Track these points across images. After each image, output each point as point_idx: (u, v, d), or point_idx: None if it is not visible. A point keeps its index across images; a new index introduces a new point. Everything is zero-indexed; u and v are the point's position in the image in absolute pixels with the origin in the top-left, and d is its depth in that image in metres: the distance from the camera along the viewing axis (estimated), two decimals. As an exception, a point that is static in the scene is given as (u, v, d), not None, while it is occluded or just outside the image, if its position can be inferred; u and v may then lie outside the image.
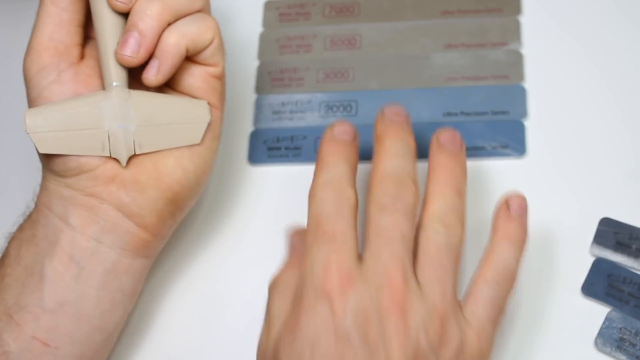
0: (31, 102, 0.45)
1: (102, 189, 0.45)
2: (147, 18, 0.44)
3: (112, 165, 0.45)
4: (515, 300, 0.49)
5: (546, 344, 0.48)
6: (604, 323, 0.48)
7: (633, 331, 0.47)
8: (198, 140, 0.47)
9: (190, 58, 0.46)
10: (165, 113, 0.46)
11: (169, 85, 0.47)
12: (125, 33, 0.45)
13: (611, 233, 0.50)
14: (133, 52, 0.44)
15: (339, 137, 0.45)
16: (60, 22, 0.46)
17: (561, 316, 0.49)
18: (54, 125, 0.44)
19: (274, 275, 0.44)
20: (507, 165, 0.53)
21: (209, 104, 0.47)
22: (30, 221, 0.46)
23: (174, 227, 0.49)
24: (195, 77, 0.47)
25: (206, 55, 0.47)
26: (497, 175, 0.53)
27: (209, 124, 0.47)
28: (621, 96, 0.54)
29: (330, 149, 0.45)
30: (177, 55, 0.45)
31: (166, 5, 0.45)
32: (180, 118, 0.46)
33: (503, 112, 0.54)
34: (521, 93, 0.54)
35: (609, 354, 0.47)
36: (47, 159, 0.45)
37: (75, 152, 0.45)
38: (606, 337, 0.47)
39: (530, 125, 0.54)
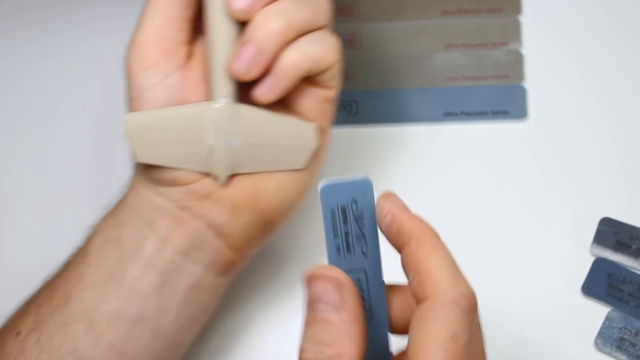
0: (130, 102, 0.42)
1: (196, 204, 0.43)
2: (269, 34, 0.40)
3: (209, 181, 0.42)
4: (515, 300, 0.49)
5: (546, 344, 0.48)
6: (604, 323, 0.48)
7: (633, 331, 0.47)
8: (302, 165, 0.43)
9: (306, 78, 0.42)
10: (272, 133, 0.42)
11: (278, 101, 0.43)
12: (241, 45, 0.40)
13: (611, 233, 0.50)
14: (248, 68, 0.40)
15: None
16: (170, 17, 0.42)
17: (561, 316, 0.49)
18: (154, 134, 0.41)
19: None
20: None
21: (317, 127, 0.44)
22: (116, 220, 0.44)
23: (260, 247, 0.46)
24: (308, 99, 0.43)
25: (324, 77, 0.43)
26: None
27: (315, 149, 0.43)
28: (621, 96, 0.54)
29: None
30: (294, 76, 0.41)
31: (290, 21, 0.41)
32: (286, 140, 0.43)
33: (503, 112, 0.54)
34: (521, 93, 0.54)
35: (609, 354, 0.47)
36: (137, 164, 0.43)
37: (173, 165, 0.42)
38: (606, 337, 0.47)
39: (531, 125, 0.54)
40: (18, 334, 0.42)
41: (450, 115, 0.54)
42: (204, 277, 0.43)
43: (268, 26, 0.40)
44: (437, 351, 0.32)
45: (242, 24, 0.41)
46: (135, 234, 0.43)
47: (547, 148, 0.53)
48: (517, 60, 0.55)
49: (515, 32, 0.56)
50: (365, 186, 0.35)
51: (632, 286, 0.48)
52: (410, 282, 0.34)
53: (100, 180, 0.54)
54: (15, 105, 0.57)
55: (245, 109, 0.42)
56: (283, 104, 0.43)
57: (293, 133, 0.43)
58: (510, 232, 0.51)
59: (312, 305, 0.34)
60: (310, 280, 0.34)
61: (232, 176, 0.43)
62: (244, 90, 0.42)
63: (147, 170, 0.43)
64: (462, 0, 0.57)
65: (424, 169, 0.53)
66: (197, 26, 0.43)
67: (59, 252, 0.45)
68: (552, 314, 0.49)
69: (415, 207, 0.52)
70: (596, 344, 0.48)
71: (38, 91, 0.57)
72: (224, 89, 0.41)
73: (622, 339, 0.47)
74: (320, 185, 0.35)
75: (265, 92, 0.41)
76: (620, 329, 0.47)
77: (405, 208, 0.36)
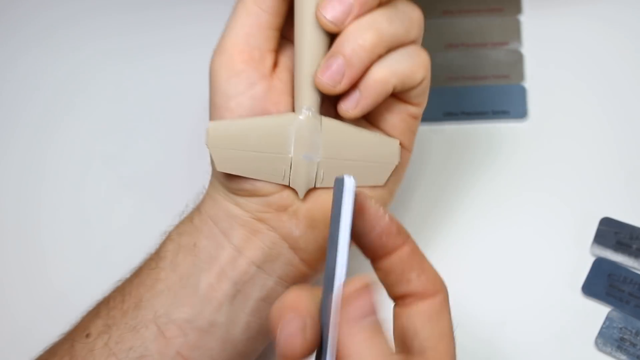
0: (213, 109, 0.42)
1: (272, 216, 0.42)
2: (359, 48, 0.39)
3: (288, 194, 0.42)
4: (516, 300, 0.49)
5: (546, 344, 0.48)
6: (604, 323, 0.48)
7: (633, 331, 0.47)
8: (382, 182, 0.43)
9: (393, 94, 0.42)
10: (354, 148, 0.42)
11: (362, 116, 0.42)
12: (330, 57, 0.40)
13: (612, 233, 0.50)
14: (335, 81, 0.40)
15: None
16: (259, 25, 0.41)
17: (561, 316, 0.49)
18: (236, 144, 0.41)
19: None
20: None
21: (400, 144, 0.43)
22: (192, 226, 0.43)
23: None
24: (394, 115, 0.43)
25: (412, 94, 0.42)
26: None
27: (397, 166, 0.43)
28: (622, 96, 0.54)
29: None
30: (382, 92, 0.40)
31: (382, 36, 0.40)
32: (368, 156, 0.42)
33: (503, 112, 0.54)
34: (521, 93, 0.54)
35: (609, 354, 0.47)
36: (217, 173, 0.43)
37: (253, 176, 0.41)
38: (606, 337, 0.47)
39: (531, 125, 0.54)
40: (88, 335, 0.42)
41: (450, 115, 0.54)
42: (275, 289, 0.43)
43: (359, 39, 0.39)
44: (452, 341, 0.34)
45: (333, 36, 0.40)
46: (210, 242, 0.43)
47: (547, 148, 0.53)
48: (517, 60, 0.55)
49: (515, 32, 0.56)
50: (341, 184, 0.34)
51: (633, 286, 0.48)
52: (411, 281, 0.34)
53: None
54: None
55: (329, 122, 0.41)
56: (367, 118, 0.43)
57: (376, 149, 0.42)
58: (511, 232, 0.51)
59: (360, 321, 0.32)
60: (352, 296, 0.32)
61: (311, 190, 0.42)
62: (329, 103, 0.42)
63: (226, 180, 0.42)
64: (462, 0, 0.57)
65: (424, 169, 0.53)
66: (284, 34, 0.43)
67: (133, 257, 0.45)
68: (552, 314, 0.49)
69: (415, 207, 0.52)
70: (596, 344, 0.48)
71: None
72: (309, 101, 0.41)
73: (622, 339, 0.47)
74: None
75: (351, 107, 0.41)
76: (621, 329, 0.47)
77: None
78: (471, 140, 0.54)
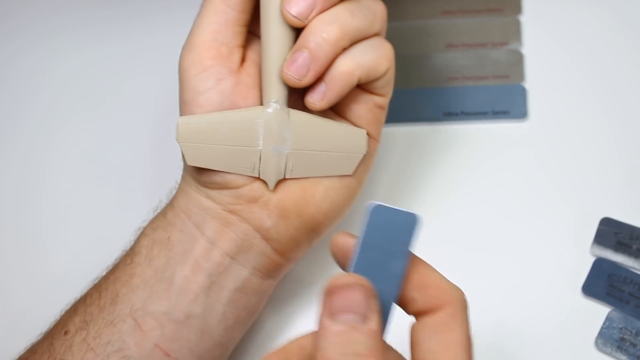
0: (183, 104, 0.43)
1: (244, 207, 0.43)
2: (323, 42, 0.40)
3: (258, 185, 0.43)
4: (516, 300, 0.49)
5: (546, 344, 0.48)
6: (604, 323, 0.48)
7: (633, 331, 0.47)
8: (350, 172, 0.44)
9: (359, 85, 0.43)
10: (322, 139, 0.43)
11: (330, 107, 0.43)
12: (295, 51, 0.41)
13: (612, 233, 0.50)
14: (300, 75, 0.41)
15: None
16: (226, 21, 0.42)
17: (561, 316, 0.49)
18: (206, 138, 0.42)
19: None
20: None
21: (368, 134, 0.44)
22: (165, 221, 0.44)
23: (306, 252, 0.46)
24: (360, 105, 0.44)
25: (377, 85, 0.43)
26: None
27: (364, 156, 0.44)
28: (622, 96, 0.54)
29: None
30: (348, 84, 0.42)
31: (345, 29, 0.41)
32: (336, 146, 0.43)
33: (503, 112, 0.54)
34: (521, 93, 0.54)
35: (610, 354, 0.47)
36: (188, 167, 0.44)
37: (224, 169, 0.42)
38: (607, 337, 0.48)
39: (531, 125, 0.54)
40: (66, 332, 0.43)
41: (450, 115, 0.54)
42: (250, 279, 0.44)
43: (323, 33, 0.40)
44: (462, 351, 0.32)
45: (298, 31, 0.41)
46: (184, 235, 0.43)
47: (547, 148, 0.53)
48: (517, 60, 0.55)
49: (515, 32, 0.56)
50: (414, 221, 0.33)
51: (633, 286, 0.48)
52: (415, 298, 0.33)
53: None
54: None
55: (297, 115, 0.42)
56: (334, 109, 0.44)
57: (343, 139, 0.43)
58: (511, 232, 0.51)
59: (336, 316, 0.31)
60: (334, 289, 0.32)
61: (281, 181, 0.43)
62: (295, 96, 0.43)
63: (197, 174, 0.43)
64: (462, 0, 0.57)
65: (424, 169, 0.53)
66: (251, 30, 0.44)
67: (108, 254, 0.46)
68: (552, 314, 0.49)
69: (415, 207, 0.52)
70: (596, 344, 0.48)
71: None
72: (276, 94, 0.42)
73: (622, 339, 0.47)
74: (373, 204, 0.33)
75: (317, 99, 0.42)
76: (621, 329, 0.48)
77: None
78: (471, 140, 0.54)
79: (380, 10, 0.43)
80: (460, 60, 0.55)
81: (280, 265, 0.45)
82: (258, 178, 0.43)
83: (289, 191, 0.43)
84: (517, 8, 0.56)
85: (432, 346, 0.33)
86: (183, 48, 0.43)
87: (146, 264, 0.43)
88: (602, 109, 0.53)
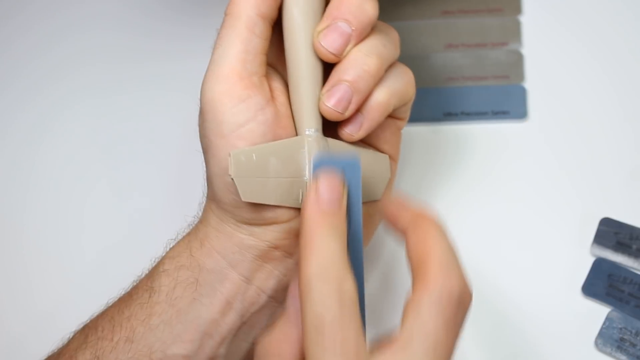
0: (220, 138, 0.40)
1: (290, 242, 0.41)
2: (365, 74, 0.40)
3: None
4: (516, 300, 0.49)
5: (546, 344, 0.48)
6: (604, 323, 0.48)
7: (633, 331, 0.47)
8: (379, 197, 0.43)
9: None
10: None
11: None
12: (335, 84, 0.40)
13: (612, 233, 0.50)
14: (343, 109, 0.40)
15: (326, 205, 0.37)
16: (254, 49, 0.40)
17: (561, 316, 0.49)
18: (258, 172, 0.40)
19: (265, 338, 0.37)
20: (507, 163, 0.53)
21: (390, 157, 0.44)
22: (192, 260, 0.42)
23: None
24: (386, 131, 0.44)
25: (402, 109, 0.43)
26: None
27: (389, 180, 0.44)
28: (622, 96, 0.54)
29: (317, 221, 0.36)
30: (384, 113, 0.41)
31: (383, 59, 0.41)
32: (367, 172, 0.42)
33: (503, 112, 0.54)
34: (521, 93, 0.54)
35: (609, 354, 0.47)
36: (235, 204, 0.41)
37: (276, 203, 0.40)
38: (606, 337, 0.48)
39: (531, 125, 0.54)
40: None
41: (450, 115, 0.54)
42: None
43: (364, 65, 0.40)
44: (425, 340, 0.34)
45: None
46: (215, 276, 0.41)
47: (547, 148, 0.53)
48: (517, 60, 0.55)
49: (515, 32, 0.56)
50: (355, 167, 0.38)
51: (633, 286, 0.48)
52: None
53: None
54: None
55: (333, 142, 0.42)
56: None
57: (371, 165, 0.43)
58: (511, 232, 0.51)
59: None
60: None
61: None
62: (326, 125, 0.42)
63: (242, 211, 0.41)
64: (462, 0, 0.57)
65: (424, 169, 0.53)
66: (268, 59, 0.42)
67: (119, 282, 0.44)
68: (552, 314, 0.49)
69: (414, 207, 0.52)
70: (596, 344, 0.48)
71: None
72: (315, 123, 0.41)
73: (622, 339, 0.47)
74: (315, 157, 0.39)
75: (354, 130, 0.41)
76: (621, 329, 0.48)
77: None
78: (471, 140, 0.54)
79: (397, 36, 0.43)
80: (460, 61, 0.55)
81: None
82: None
83: None
84: (517, 8, 0.56)
85: (406, 325, 0.35)
86: (208, 79, 0.40)
87: (167, 303, 0.41)
88: (602, 109, 0.53)
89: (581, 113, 0.53)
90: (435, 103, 0.55)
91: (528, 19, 0.56)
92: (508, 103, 0.54)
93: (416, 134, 0.54)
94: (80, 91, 0.57)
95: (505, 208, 0.52)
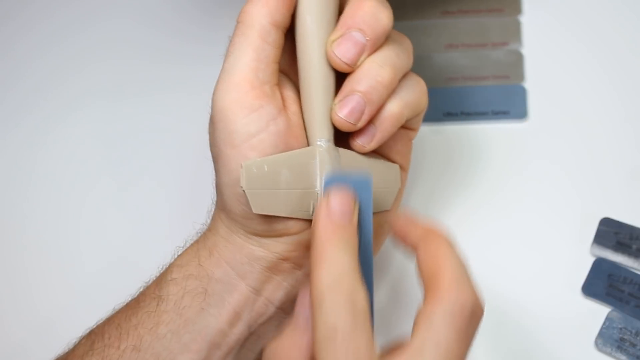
0: (230, 148, 0.39)
1: (300, 254, 0.41)
2: (379, 85, 0.39)
3: None
4: (515, 300, 0.49)
5: (546, 344, 0.48)
6: (604, 323, 0.48)
7: (633, 331, 0.47)
8: (389, 207, 0.43)
9: None
10: None
11: None
12: (348, 95, 0.40)
13: (612, 233, 0.50)
14: (356, 119, 0.40)
15: (337, 218, 0.37)
16: (266, 58, 0.39)
17: (561, 316, 0.49)
18: (269, 184, 0.39)
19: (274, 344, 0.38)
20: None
21: (400, 167, 0.44)
22: (200, 270, 0.41)
23: None
24: (398, 141, 0.43)
25: (414, 120, 0.43)
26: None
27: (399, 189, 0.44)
28: (622, 96, 0.54)
29: (329, 234, 0.36)
30: (397, 124, 0.41)
31: (396, 70, 0.40)
32: (378, 182, 0.42)
33: (503, 112, 0.54)
34: (521, 93, 0.54)
35: (609, 354, 0.47)
36: (245, 215, 0.40)
37: (287, 214, 0.40)
38: (606, 337, 0.48)
39: (531, 125, 0.54)
40: None
41: (450, 115, 0.54)
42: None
43: (377, 76, 0.39)
44: (436, 349, 0.34)
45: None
46: (223, 286, 0.41)
47: (547, 148, 0.53)
48: (517, 60, 0.55)
49: (515, 32, 0.56)
50: (366, 184, 0.38)
51: (632, 286, 0.48)
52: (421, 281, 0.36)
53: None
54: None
55: (344, 153, 0.41)
56: None
57: (382, 175, 0.43)
58: (510, 232, 0.51)
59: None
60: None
61: None
62: (338, 135, 0.41)
63: (252, 222, 0.40)
64: (462, 0, 0.57)
65: (424, 169, 0.53)
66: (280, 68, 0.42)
67: (128, 287, 0.44)
68: (552, 314, 0.49)
69: (414, 208, 0.52)
70: (596, 344, 0.48)
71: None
72: (327, 134, 0.41)
73: (622, 339, 0.47)
74: (327, 174, 0.39)
75: (367, 141, 0.41)
76: (621, 329, 0.48)
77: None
78: (471, 140, 0.54)
79: (410, 46, 0.42)
80: (460, 61, 0.55)
81: None
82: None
83: None
84: (517, 8, 0.56)
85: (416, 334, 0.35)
86: (219, 88, 0.40)
87: (175, 312, 0.41)
88: (602, 108, 0.53)
89: (581, 113, 0.53)
90: (435, 103, 0.55)
91: (528, 19, 0.56)
92: (508, 103, 0.54)
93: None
94: (88, 94, 0.57)
95: (505, 208, 0.52)
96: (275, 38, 0.40)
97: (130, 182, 0.55)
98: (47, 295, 0.52)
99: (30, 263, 0.53)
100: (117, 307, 0.43)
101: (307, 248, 0.40)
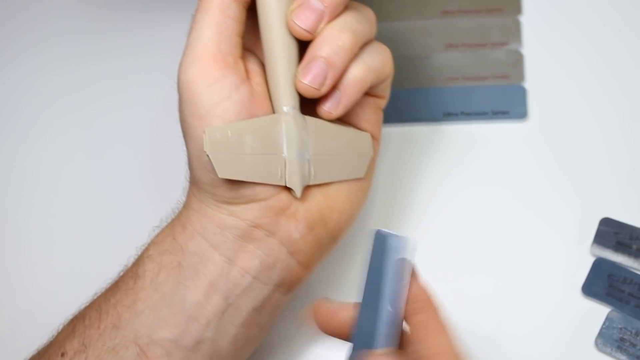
0: (196, 119, 0.40)
1: (270, 221, 0.41)
2: (340, 50, 0.40)
3: (285, 196, 0.41)
4: (516, 300, 0.49)
5: (546, 344, 0.48)
6: (604, 323, 0.48)
7: (633, 331, 0.47)
8: (363, 174, 0.44)
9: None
10: (336, 144, 0.43)
11: None
12: (311, 61, 0.40)
13: (612, 233, 0.50)
14: (319, 84, 0.40)
15: None
16: (227, 31, 0.40)
17: (561, 316, 0.49)
18: (234, 149, 0.40)
19: None
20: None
21: (372, 136, 0.44)
22: (175, 244, 0.42)
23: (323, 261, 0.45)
24: (365, 109, 0.44)
25: (380, 87, 0.44)
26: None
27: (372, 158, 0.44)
28: (622, 96, 0.54)
29: None
30: (362, 90, 0.42)
31: (357, 35, 0.41)
32: (347, 150, 0.43)
33: (503, 112, 0.54)
34: (521, 93, 0.54)
35: (609, 354, 0.47)
36: (213, 183, 0.41)
37: (253, 179, 0.40)
38: (606, 337, 0.47)
39: (531, 125, 0.54)
40: (63, 354, 0.41)
41: (450, 115, 0.54)
42: (270, 297, 0.42)
43: (338, 41, 0.40)
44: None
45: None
46: (197, 258, 0.41)
47: (547, 148, 0.53)
48: (517, 60, 0.55)
49: (515, 32, 0.56)
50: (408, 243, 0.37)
51: (633, 286, 0.48)
52: (415, 350, 0.36)
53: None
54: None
55: (311, 120, 0.42)
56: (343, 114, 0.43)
57: (353, 143, 0.43)
58: (510, 232, 0.51)
59: None
60: None
61: (305, 189, 0.42)
62: (304, 104, 0.42)
63: (221, 190, 0.41)
64: (462, 0, 0.57)
65: (424, 169, 0.53)
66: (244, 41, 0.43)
67: (105, 270, 0.44)
68: (552, 314, 0.49)
69: (415, 208, 0.52)
70: (596, 344, 0.48)
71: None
72: (292, 101, 0.41)
73: (622, 339, 0.47)
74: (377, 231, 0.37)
75: (332, 107, 0.41)
76: (621, 329, 0.47)
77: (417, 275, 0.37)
78: (471, 140, 0.54)
79: (373, 15, 0.43)
80: (460, 60, 0.55)
81: (302, 278, 0.43)
82: (284, 188, 0.41)
83: (314, 200, 0.42)
84: (517, 8, 0.56)
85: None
86: (183, 62, 0.41)
87: (152, 288, 0.41)
88: (602, 108, 0.53)
89: (581, 113, 0.53)
90: (435, 103, 0.55)
91: (528, 19, 0.56)
92: (508, 103, 0.54)
93: (416, 134, 0.54)
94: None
95: (505, 208, 0.52)
96: (235, 12, 0.41)
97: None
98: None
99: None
100: (99, 292, 0.43)
101: (277, 214, 0.41)
